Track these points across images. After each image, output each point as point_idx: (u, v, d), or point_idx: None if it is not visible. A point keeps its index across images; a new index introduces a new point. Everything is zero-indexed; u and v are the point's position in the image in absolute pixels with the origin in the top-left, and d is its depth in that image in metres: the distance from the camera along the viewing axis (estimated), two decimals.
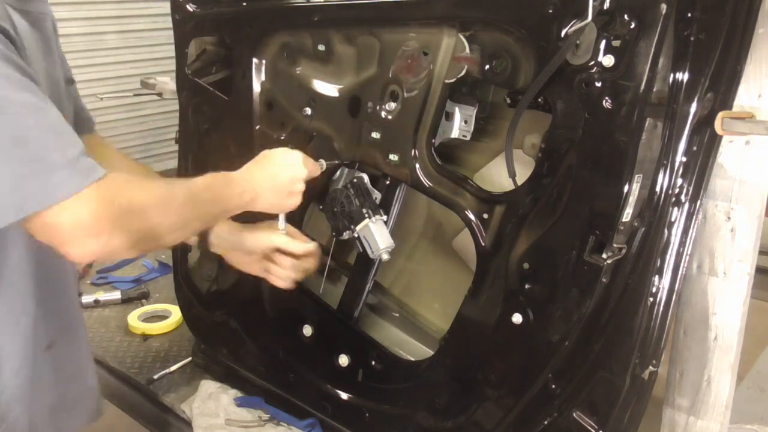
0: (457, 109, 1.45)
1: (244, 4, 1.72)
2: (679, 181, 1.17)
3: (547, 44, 1.20)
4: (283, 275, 1.47)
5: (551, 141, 1.24)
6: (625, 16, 1.12)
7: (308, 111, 1.61)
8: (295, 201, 1.36)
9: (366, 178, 1.55)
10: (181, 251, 1.96)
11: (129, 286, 2.45)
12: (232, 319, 1.86)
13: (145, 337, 2.15)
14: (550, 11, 1.19)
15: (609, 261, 1.19)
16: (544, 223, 1.26)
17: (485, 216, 1.34)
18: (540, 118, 1.30)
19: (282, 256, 1.46)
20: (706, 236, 1.24)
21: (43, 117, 0.99)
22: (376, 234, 1.47)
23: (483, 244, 1.35)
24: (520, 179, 1.28)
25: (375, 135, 1.48)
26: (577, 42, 1.16)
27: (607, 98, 1.16)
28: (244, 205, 1.28)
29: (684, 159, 1.17)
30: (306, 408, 1.72)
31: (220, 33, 1.80)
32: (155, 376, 1.93)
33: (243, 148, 1.72)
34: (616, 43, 1.14)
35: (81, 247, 1.00)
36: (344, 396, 1.63)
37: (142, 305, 2.33)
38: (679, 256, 1.19)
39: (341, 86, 1.56)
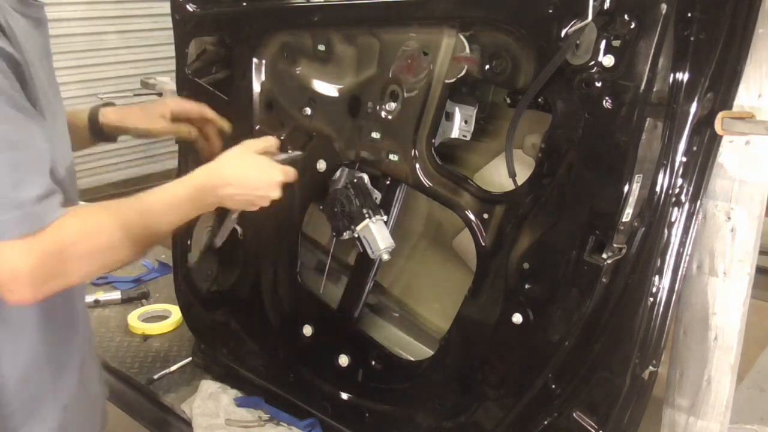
0: (457, 109, 1.45)
1: (244, 4, 1.72)
2: (679, 181, 1.17)
3: (547, 44, 1.20)
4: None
5: (551, 141, 1.24)
6: (625, 16, 1.12)
7: (308, 111, 1.61)
8: (265, 203, 1.34)
9: (366, 178, 1.55)
10: (181, 251, 1.96)
11: (129, 286, 2.45)
12: (232, 319, 1.86)
13: (145, 337, 2.15)
14: (550, 11, 1.19)
15: (609, 261, 1.19)
16: (544, 223, 1.26)
17: (485, 216, 1.34)
18: (540, 118, 1.30)
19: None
20: (706, 236, 1.24)
21: (11, 153, 0.98)
22: (377, 234, 1.47)
23: (483, 244, 1.35)
24: (520, 179, 1.28)
25: (375, 135, 1.48)
26: (577, 42, 1.16)
27: (607, 98, 1.16)
28: (208, 208, 1.29)
29: (684, 159, 1.17)
30: (306, 408, 1.72)
31: (220, 33, 1.80)
32: (155, 376, 1.93)
33: None
34: (616, 43, 1.14)
35: (14, 294, 1.00)
36: (344, 396, 1.63)
37: (142, 305, 2.33)
38: (679, 256, 1.19)
39: (341, 86, 1.56)
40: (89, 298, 2.32)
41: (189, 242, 1.94)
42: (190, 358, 2.00)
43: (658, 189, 1.17)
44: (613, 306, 1.22)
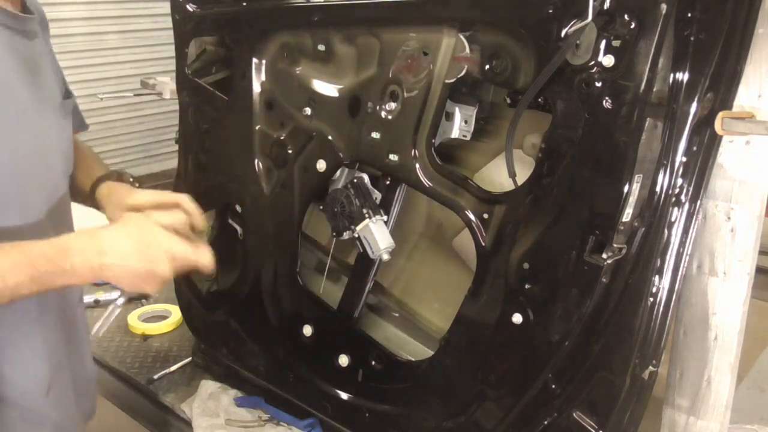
0: (457, 109, 1.45)
1: (244, 4, 1.72)
2: (679, 181, 1.17)
3: (547, 44, 1.20)
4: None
5: (551, 141, 1.24)
6: (625, 16, 1.12)
7: (308, 111, 1.61)
8: (150, 288, 1.13)
9: (366, 178, 1.55)
10: None
11: None
12: (232, 319, 1.86)
13: (145, 337, 2.15)
14: (550, 11, 1.19)
15: (609, 261, 1.19)
16: (544, 223, 1.26)
17: (485, 216, 1.34)
18: (540, 118, 1.30)
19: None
20: (706, 236, 1.24)
21: None
22: (377, 234, 1.47)
23: (483, 244, 1.35)
24: (520, 179, 1.28)
25: (375, 135, 1.48)
26: (577, 42, 1.16)
27: (607, 98, 1.16)
28: (77, 278, 1.07)
29: (684, 159, 1.17)
30: (306, 408, 1.72)
31: (220, 33, 1.80)
32: (155, 376, 1.93)
33: (243, 148, 1.72)
34: (616, 43, 1.14)
35: None
36: (344, 396, 1.63)
37: (142, 305, 2.33)
38: (679, 256, 1.19)
39: (341, 86, 1.56)
40: (89, 298, 2.32)
41: None
42: (190, 358, 2.00)
43: (658, 189, 1.17)
44: (613, 306, 1.22)
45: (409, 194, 1.56)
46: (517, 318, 1.30)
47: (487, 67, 1.33)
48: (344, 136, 1.55)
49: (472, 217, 1.36)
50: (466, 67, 1.34)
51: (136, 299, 2.37)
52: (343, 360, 1.61)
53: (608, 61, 1.15)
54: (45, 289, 1.06)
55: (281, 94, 1.67)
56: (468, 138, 1.48)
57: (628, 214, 1.17)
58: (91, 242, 1.08)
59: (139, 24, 5.38)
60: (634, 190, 1.16)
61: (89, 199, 1.41)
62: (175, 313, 2.19)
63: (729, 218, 1.21)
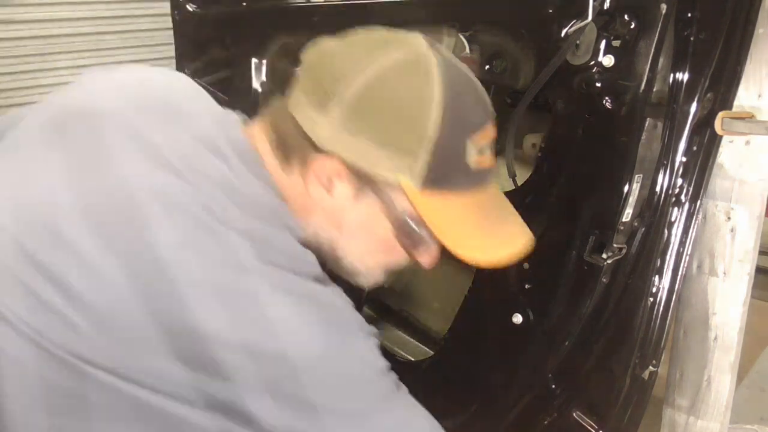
0: None
1: (244, 4, 1.72)
2: (679, 181, 1.17)
3: (547, 44, 1.20)
4: None
5: (551, 141, 1.24)
6: (625, 16, 1.12)
7: None
8: None
9: None
10: None
11: None
12: None
13: None
14: (550, 11, 1.19)
15: (609, 261, 1.19)
16: (544, 223, 1.26)
17: None
18: (540, 118, 1.30)
19: None
20: (706, 236, 1.24)
21: None
22: None
23: None
24: (520, 179, 1.28)
25: None
26: (577, 42, 1.16)
27: (607, 98, 1.16)
28: None
29: (684, 159, 1.16)
30: None
31: (220, 33, 1.80)
32: None
33: None
34: (616, 43, 1.14)
35: None
36: None
37: None
38: (679, 256, 1.19)
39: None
40: None
41: None
42: None
43: (658, 189, 1.17)
44: (613, 306, 1.21)
45: None
46: (517, 318, 1.30)
47: (487, 67, 1.33)
48: None
49: None
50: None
51: None
52: None
53: (608, 61, 1.15)
54: None
55: (281, 95, 1.66)
56: None
57: (628, 214, 1.17)
58: None
59: (139, 24, 5.37)
60: (634, 190, 1.16)
61: None
62: None
63: (729, 218, 1.21)
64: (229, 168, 0.84)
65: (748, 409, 1.88)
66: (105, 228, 0.78)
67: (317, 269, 0.87)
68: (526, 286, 1.29)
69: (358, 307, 1.61)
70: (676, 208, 1.18)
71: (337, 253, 0.94)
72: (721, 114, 1.14)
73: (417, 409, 0.96)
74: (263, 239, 0.81)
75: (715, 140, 1.17)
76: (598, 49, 1.15)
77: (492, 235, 0.91)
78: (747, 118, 1.15)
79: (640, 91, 1.13)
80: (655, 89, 1.13)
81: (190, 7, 1.78)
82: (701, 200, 1.19)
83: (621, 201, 1.16)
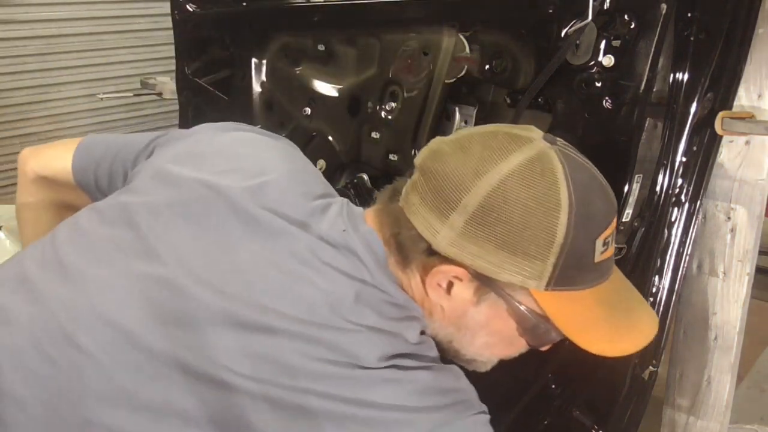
0: (457, 109, 1.45)
1: (244, 4, 1.72)
2: (679, 181, 1.17)
3: (547, 44, 1.20)
4: None
5: None
6: (625, 16, 1.12)
7: (308, 111, 1.61)
8: None
9: (366, 178, 1.55)
10: None
11: None
12: None
13: None
14: (550, 11, 1.19)
15: None
16: None
17: None
18: (540, 118, 1.29)
19: None
20: (706, 236, 1.24)
21: None
22: None
23: None
24: None
25: (375, 135, 1.48)
26: (577, 42, 1.16)
27: (607, 98, 1.16)
28: None
29: (684, 159, 1.16)
30: None
31: (220, 33, 1.80)
32: None
33: None
34: (616, 43, 1.14)
35: None
36: None
37: None
38: (679, 256, 1.19)
39: (341, 86, 1.56)
40: None
41: None
42: None
43: (658, 189, 1.17)
44: None
45: None
46: None
47: (487, 67, 1.33)
48: (344, 136, 1.55)
49: None
50: (466, 67, 1.34)
51: None
52: None
53: (608, 61, 1.15)
54: None
55: (281, 95, 1.67)
56: None
57: (628, 214, 1.17)
58: None
59: (138, 24, 5.36)
60: (634, 190, 1.16)
61: None
62: None
63: (729, 218, 1.21)
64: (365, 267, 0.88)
65: (748, 409, 1.88)
66: None
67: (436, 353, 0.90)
68: None
69: None
70: (676, 208, 1.18)
71: (454, 346, 0.95)
72: (721, 114, 1.14)
73: None
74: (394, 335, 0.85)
75: (715, 140, 1.17)
76: (598, 49, 1.15)
77: (619, 325, 0.90)
78: (747, 118, 1.15)
79: (640, 91, 1.13)
80: (655, 89, 1.13)
81: (190, 7, 1.78)
82: (701, 200, 1.19)
83: (621, 201, 1.16)
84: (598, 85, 1.16)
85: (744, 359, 1.30)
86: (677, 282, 1.19)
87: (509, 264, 0.82)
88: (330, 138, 1.57)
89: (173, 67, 1.88)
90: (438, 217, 0.83)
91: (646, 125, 1.14)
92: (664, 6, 1.10)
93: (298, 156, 1.10)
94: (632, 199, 1.16)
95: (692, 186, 1.17)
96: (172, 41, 1.86)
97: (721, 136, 1.16)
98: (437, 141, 0.90)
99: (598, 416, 1.24)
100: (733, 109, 1.16)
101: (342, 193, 1.52)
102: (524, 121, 1.26)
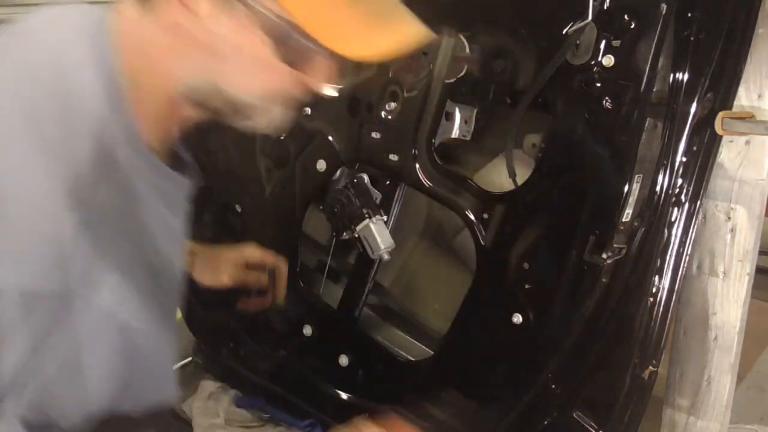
0: (457, 109, 1.45)
1: None
2: (679, 181, 1.17)
3: (547, 44, 1.20)
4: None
5: (551, 141, 1.24)
6: (625, 16, 1.12)
7: (308, 111, 1.60)
8: None
9: (366, 178, 1.55)
10: None
11: None
12: (232, 319, 1.86)
13: None
14: (550, 11, 1.19)
15: (609, 261, 1.19)
16: (544, 223, 1.26)
17: (485, 216, 1.34)
18: (540, 118, 1.30)
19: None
20: (706, 236, 1.24)
21: None
22: (377, 234, 1.47)
23: (483, 244, 1.35)
24: (520, 179, 1.28)
25: (375, 135, 1.48)
26: (577, 42, 1.16)
27: (607, 98, 1.16)
28: None
29: (684, 159, 1.17)
30: (306, 408, 1.71)
31: None
32: None
33: (243, 148, 1.72)
34: (616, 43, 1.14)
35: None
36: (344, 396, 1.63)
37: None
38: (679, 256, 1.19)
39: (341, 86, 1.56)
40: None
41: None
42: (190, 358, 2.00)
43: (658, 189, 1.17)
44: (613, 306, 1.21)
45: (409, 194, 1.56)
46: (516, 318, 1.30)
47: (487, 67, 1.33)
48: (344, 136, 1.55)
49: (472, 217, 1.36)
50: (466, 67, 1.34)
51: None
52: (343, 360, 1.60)
53: (608, 61, 1.15)
54: None
55: None
56: (468, 138, 1.47)
57: (628, 214, 1.17)
58: None
59: None
60: (634, 190, 1.16)
61: None
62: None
63: (729, 218, 1.21)
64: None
65: (748, 409, 1.88)
66: None
67: None
68: (526, 286, 1.29)
69: (358, 307, 1.61)
70: (676, 208, 1.19)
71: (221, 88, 0.88)
72: (721, 114, 1.14)
73: None
74: None
75: (715, 140, 1.17)
76: (598, 49, 1.15)
77: (374, 24, 0.83)
78: (747, 118, 1.15)
79: (640, 91, 1.13)
80: (655, 89, 1.13)
81: None
82: (701, 200, 1.19)
83: (621, 201, 1.16)
84: (598, 85, 1.16)
85: (744, 359, 1.30)
86: (677, 282, 1.19)
87: None
88: (330, 138, 1.57)
89: None
90: None
91: (646, 125, 1.14)
92: (664, 6, 1.10)
93: None
94: (632, 199, 1.16)
95: (692, 186, 1.18)
96: None
97: (721, 136, 1.17)
98: None
99: (598, 416, 1.24)
100: (733, 109, 1.16)
101: (342, 193, 1.52)
102: (524, 121, 1.26)
